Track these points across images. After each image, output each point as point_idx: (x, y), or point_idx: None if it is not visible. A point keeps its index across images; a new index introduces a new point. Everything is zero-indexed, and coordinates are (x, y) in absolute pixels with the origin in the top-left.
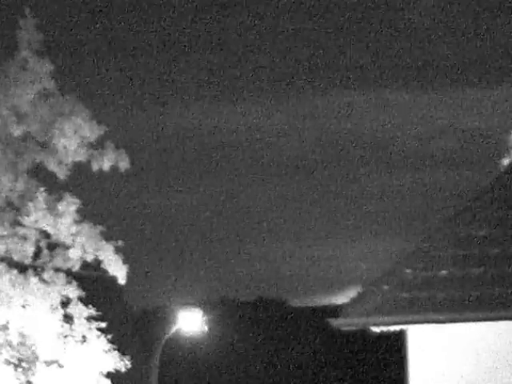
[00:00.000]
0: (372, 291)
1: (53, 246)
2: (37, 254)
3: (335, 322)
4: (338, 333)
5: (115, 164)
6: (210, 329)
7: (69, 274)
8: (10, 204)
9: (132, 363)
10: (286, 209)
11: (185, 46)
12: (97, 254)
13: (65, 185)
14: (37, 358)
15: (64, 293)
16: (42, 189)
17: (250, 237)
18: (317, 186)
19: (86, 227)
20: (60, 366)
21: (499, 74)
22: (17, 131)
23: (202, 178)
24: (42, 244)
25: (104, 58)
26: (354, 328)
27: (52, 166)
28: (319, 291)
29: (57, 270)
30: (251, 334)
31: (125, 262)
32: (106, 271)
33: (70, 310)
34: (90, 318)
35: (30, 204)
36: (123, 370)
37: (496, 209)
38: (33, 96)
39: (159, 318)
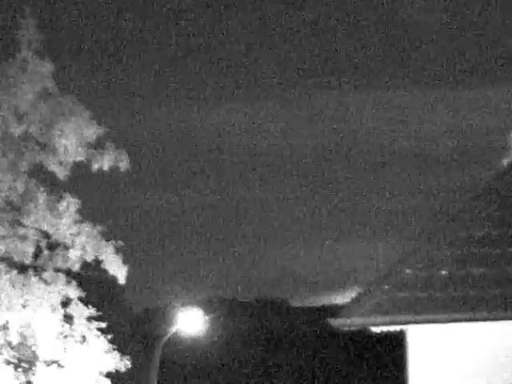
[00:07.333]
0: (372, 291)
1: (53, 246)
2: (37, 254)
3: (335, 322)
4: (337, 333)
5: (115, 164)
6: (209, 329)
7: (69, 273)
8: (10, 204)
9: (132, 363)
10: (286, 209)
11: (185, 46)
12: (97, 254)
13: (65, 185)
14: (37, 358)
15: (64, 293)
16: (42, 189)
17: (249, 237)
18: (317, 186)
19: (85, 227)
20: (60, 366)
21: (499, 73)
22: (17, 131)
23: (202, 178)
24: (42, 244)
25: (104, 58)
26: (353, 328)
27: (52, 166)
28: (319, 291)
29: (57, 270)
30: (251, 334)
31: (125, 262)
32: (106, 271)
33: (70, 309)
34: (90, 318)
35: (30, 204)
36: (123, 369)
37: (496, 209)
38: (33, 96)
39: (159, 317)
